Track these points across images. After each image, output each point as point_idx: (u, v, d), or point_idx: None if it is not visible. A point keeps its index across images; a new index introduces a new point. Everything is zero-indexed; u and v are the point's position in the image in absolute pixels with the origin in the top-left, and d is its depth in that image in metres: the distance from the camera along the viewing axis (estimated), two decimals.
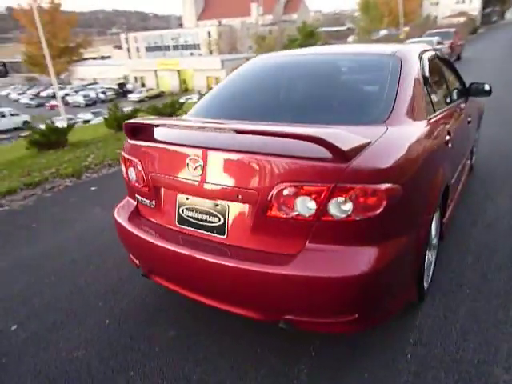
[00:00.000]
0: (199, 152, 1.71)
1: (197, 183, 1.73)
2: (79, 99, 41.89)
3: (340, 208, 1.50)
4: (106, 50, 77.08)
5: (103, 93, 43.61)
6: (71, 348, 2.11)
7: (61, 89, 46.47)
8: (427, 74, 2.31)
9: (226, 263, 1.63)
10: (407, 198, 1.65)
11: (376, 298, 1.63)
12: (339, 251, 1.54)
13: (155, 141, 1.93)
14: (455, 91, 3.02)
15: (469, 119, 3.02)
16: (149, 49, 65.55)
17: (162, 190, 1.93)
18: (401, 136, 1.78)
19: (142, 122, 1.99)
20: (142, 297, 2.49)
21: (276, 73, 2.55)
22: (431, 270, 2.31)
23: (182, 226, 1.86)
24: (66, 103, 41.02)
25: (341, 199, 1.49)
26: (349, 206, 1.50)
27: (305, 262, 1.53)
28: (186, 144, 1.79)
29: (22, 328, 2.30)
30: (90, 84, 50.90)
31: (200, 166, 1.70)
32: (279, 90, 2.36)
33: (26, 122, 28.00)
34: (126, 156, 2.09)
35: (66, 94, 44.46)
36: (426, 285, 2.21)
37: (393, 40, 23.55)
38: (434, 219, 2.21)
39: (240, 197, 1.63)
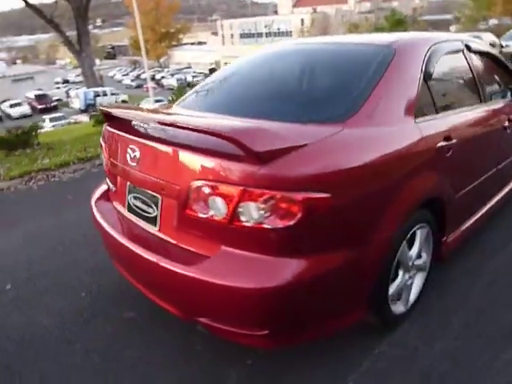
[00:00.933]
0: (136, 141, 1.71)
1: (136, 172, 1.73)
2: (173, 82, 44.38)
3: (250, 214, 1.37)
4: (203, 36, 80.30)
5: (193, 77, 45.66)
6: (43, 315, 2.27)
7: (158, 72, 49.77)
8: (433, 69, 2.00)
9: (147, 255, 1.61)
10: (344, 209, 1.46)
11: (292, 315, 1.47)
12: (250, 260, 1.42)
13: (114, 128, 1.95)
14: (491, 90, 2.58)
15: (506, 124, 2.55)
16: (242, 35, 66.85)
17: (118, 176, 1.96)
18: (354, 139, 1.56)
19: (104, 109, 2.02)
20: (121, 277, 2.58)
21: (257, 65, 2.43)
22: (411, 293, 2.03)
23: (130, 214, 1.88)
24: (162, 85, 43.88)
25: (251, 204, 1.37)
26: (260, 213, 1.36)
27: (212, 265, 1.44)
28: (129, 132, 1.80)
29: (13, 289, 2.54)
30: (184, 68, 53.60)
31: (136, 156, 1.69)
32: (252, 83, 2.22)
33: (123, 101, 30.57)
34: (100, 140, 2.16)
35: (163, 77, 47.41)
36: (402, 308, 1.97)
37: (502, 30, 20.91)
38: (419, 237, 1.95)
39: (164, 191, 1.59)
